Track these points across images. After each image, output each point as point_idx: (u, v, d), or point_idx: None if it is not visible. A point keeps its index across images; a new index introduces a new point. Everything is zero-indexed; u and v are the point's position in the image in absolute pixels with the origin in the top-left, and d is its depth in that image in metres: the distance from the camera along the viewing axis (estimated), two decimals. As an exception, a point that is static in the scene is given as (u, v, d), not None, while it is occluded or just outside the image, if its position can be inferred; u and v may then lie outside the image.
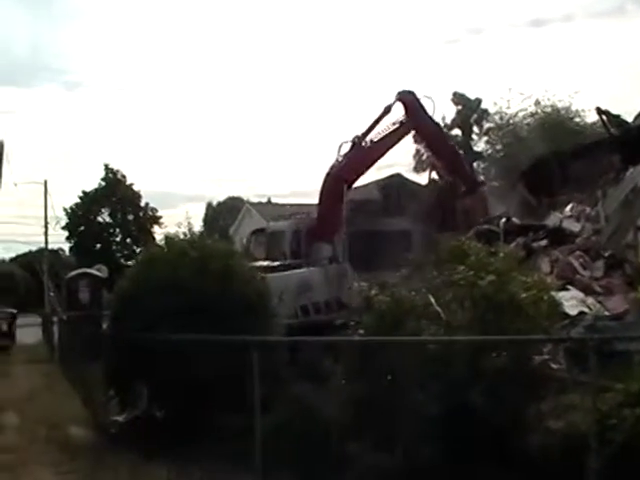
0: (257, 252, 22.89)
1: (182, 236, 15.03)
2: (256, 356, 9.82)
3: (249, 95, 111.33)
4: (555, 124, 38.20)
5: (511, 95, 41.55)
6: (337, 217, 19.95)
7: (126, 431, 13.43)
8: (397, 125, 22.07)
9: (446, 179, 22.68)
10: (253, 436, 9.64)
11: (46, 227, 52.88)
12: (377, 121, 21.78)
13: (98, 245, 61.50)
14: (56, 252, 62.71)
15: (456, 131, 50.88)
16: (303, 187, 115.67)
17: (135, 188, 63.66)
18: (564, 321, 12.81)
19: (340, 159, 21.18)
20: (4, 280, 54.15)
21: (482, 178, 25.43)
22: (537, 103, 40.49)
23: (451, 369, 9.54)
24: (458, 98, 52.19)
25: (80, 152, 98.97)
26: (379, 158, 21.99)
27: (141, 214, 63.79)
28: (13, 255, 70.12)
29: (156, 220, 63.63)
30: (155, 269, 13.67)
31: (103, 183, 63.17)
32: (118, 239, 63.51)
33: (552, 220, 19.92)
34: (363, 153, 21.26)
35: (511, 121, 41.96)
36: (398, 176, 24.20)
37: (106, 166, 63.35)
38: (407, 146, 22.67)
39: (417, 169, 43.60)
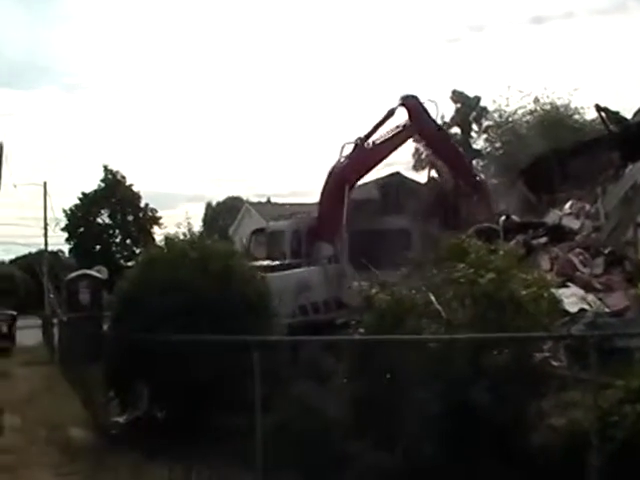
0: (257, 252, 22.87)
1: (182, 237, 15.01)
2: (257, 356, 9.80)
3: (249, 95, 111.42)
4: (554, 121, 38.17)
5: (510, 93, 41.58)
6: (338, 217, 19.94)
7: (127, 432, 13.44)
8: (400, 128, 22.08)
9: (447, 179, 22.70)
10: (254, 436, 9.62)
11: (46, 229, 52.82)
12: (380, 124, 21.79)
13: (98, 246, 61.49)
14: (56, 254, 62.66)
15: (455, 129, 50.84)
16: (303, 187, 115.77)
17: (135, 189, 63.70)
18: (564, 318, 12.81)
19: (342, 160, 21.17)
20: (4, 282, 54.12)
21: (482, 176, 25.38)
22: (536, 101, 40.48)
23: (452, 367, 9.53)
24: (457, 96, 52.17)
25: (79, 153, 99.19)
26: (381, 160, 21.99)
27: (141, 215, 63.77)
28: (13, 257, 70.06)
29: (156, 221, 63.62)
30: (155, 270, 13.68)
31: (102, 184, 63.15)
32: (118, 240, 63.50)
33: (552, 217, 19.93)
34: (365, 154, 21.26)
35: (510, 119, 41.94)
36: (397, 175, 24.14)
37: (105, 167, 63.39)
38: (406, 145, 22.63)
39: (416, 167, 43.60)
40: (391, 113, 22.02)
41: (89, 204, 62.62)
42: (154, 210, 64.06)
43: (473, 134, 51.29)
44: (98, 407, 14.53)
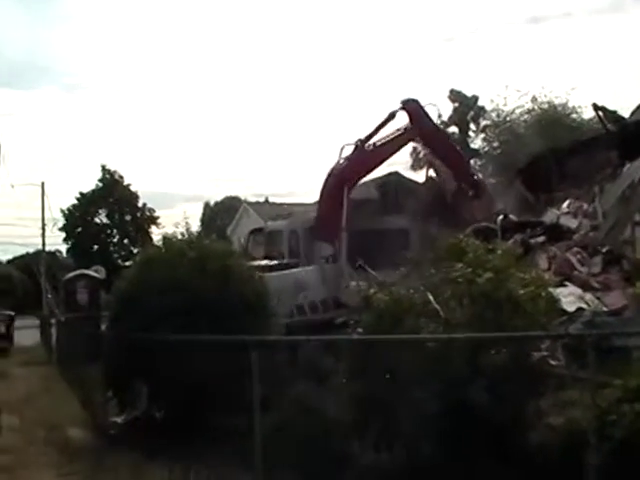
0: (255, 252, 22.87)
1: (180, 236, 15.00)
2: (255, 356, 9.80)
3: (246, 95, 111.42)
4: (552, 121, 38.19)
5: (508, 92, 41.61)
6: (337, 217, 19.96)
7: (125, 432, 13.43)
8: (401, 131, 22.10)
9: (446, 178, 22.65)
10: (253, 436, 9.63)
11: (43, 229, 52.81)
12: (380, 126, 21.80)
13: (95, 246, 61.51)
14: (53, 254, 62.65)
15: (453, 128, 50.90)
16: (300, 187, 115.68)
17: (132, 189, 63.71)
18: (562, 317, 12.81)
19: (342, 161, 21.18)
20: (1, 282, 54.10)
21: (482, 177, 25.38)
22: (534, 100, 40.51)
23: (450, 367, 9.55)
24: (455, 95, 52.24)
25: (78, 153, 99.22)
26: (381, 162, 21.99)
27: (138, 215, 63.81)
28: (10, 257, 69.97)
29: (154, 220, 63.66)
30: (153, 270, 13.67)
31: (100, 184, 63.17)
32: (115, 240, 63.54)
33: (549, 216, 19.93)
34: (365, 156, 21.26)
35: (508, 118, 41.97)
36: (396, 174, 24.12)
37: (103, 167, 63.42)
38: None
39: (414, 167, 43.60)
40: (392, 116, 22.04)
41: (87, 204, 62.65)
42: (152, 210, 64.16)
43: (471, 133, 51.41)
44: (96, 407, 14.52)
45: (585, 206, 19.48)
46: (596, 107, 23.36)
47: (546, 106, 40.30)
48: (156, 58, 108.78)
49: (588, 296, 14.54)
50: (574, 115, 39.55)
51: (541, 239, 18.41)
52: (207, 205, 77.83)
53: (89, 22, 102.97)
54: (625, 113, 22.80)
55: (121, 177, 63.58)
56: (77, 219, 62.19)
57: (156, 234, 57.79)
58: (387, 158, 22.32)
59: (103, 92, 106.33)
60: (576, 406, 8.75)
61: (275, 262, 19.98)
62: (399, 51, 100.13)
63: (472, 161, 39.39)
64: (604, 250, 16.49)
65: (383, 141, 21.86)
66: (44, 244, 53.75)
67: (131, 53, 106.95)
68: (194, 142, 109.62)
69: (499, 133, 42.83)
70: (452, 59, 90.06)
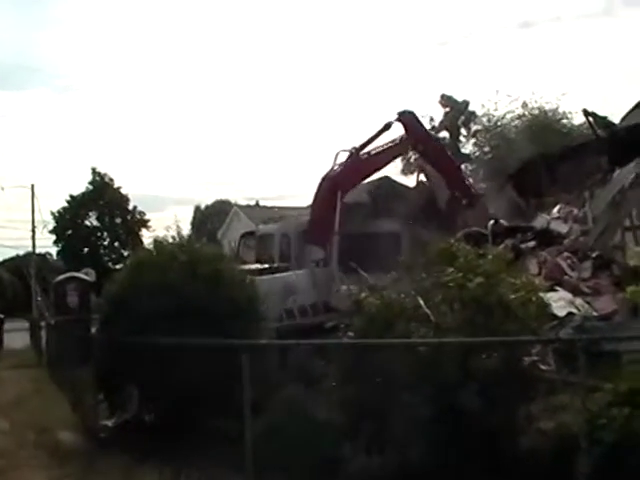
0: (246, 255, 22.86)
1: (171, 240, 14.99)
2: (246, 359, 9.82)
3: (237, 98, 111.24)
4: (542, 126, 38.34)
5: (499, 97, 41.78)
6: (330, 221, 19.99)
7: (116, 435, 13.40)
8: (396, 142, 22.19)
9: (436, 183, 22.69)
10: (243, 439, 9.64)
11: (33, 231, 52.69)
12: (376, 136, 21.88)
13: (86, 249, 61.40)
14: (43, 256, 62.43)
15: (444, 133, 50.99)
16: (291, 190, 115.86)
17: (123, 191, 63.64)
18: (552, 322, 12.86)
19: (336, 167, 21.23)
20: (-9, 285, 53.99)
21: (474, 186, 25.44)
22: (524, 105, 40.68)
23: (441, 371, 9.58)
24: (446, 100, 52.32)
25: (68, 155, 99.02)
26: (375, 171, 22.03)
27: (129, 217, 63.72)
28: (0, 259, 69.83)
29: (144, 223, 63.59)
30: (144, 273, 13.66)
31: (90, 187, 63.06)
32: (106, 243, 63.44)
33: (540, 221, 19.96)
34: (360, 164, 21.32)
35: (499, 123, 42.12)
36: (387, 179, 24.12)
37: (93, 169, 63.31)
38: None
39: (405, 172, 43.67)
40: (387, 127, 22.11)
41: (77, 206, 62.54)
42: (142, 213, 64.09)
43: (462, 138, 51.44)
44: (87, 410, 14.48)
45: (575, 211, 19.54)
46: (586, 113, 23.46)
47: (537, 111, 40.48)
48: (147, 61, 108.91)
49: (578, 301, 14.58)
50: (564, 121, 39.73)
51: (531, 244, 18.46)
52: (197, 208, 77.80)
53: (81, 24, 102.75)
54: (615, 119, 22.91)
55: (111, 180, 63.54)
56: (67, 222, 62.06)
57: (147, 237, 57.81)
58: (381, 167, 22.41)
59: (94, 94, 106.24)
60: (567, 410, 8.80)
61: (264, 266, 19.96)
62: (392, 55, 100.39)
63: (463, 166, 39.53)
64: (594, 255, 16.54)
65: (378, 150, 21.93)
66: (34, 246, 53.67)
67: (122, 55, 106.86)
68: (185, 145, 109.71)
69: (490, 138, 42.98)
70: (445, 63, 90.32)
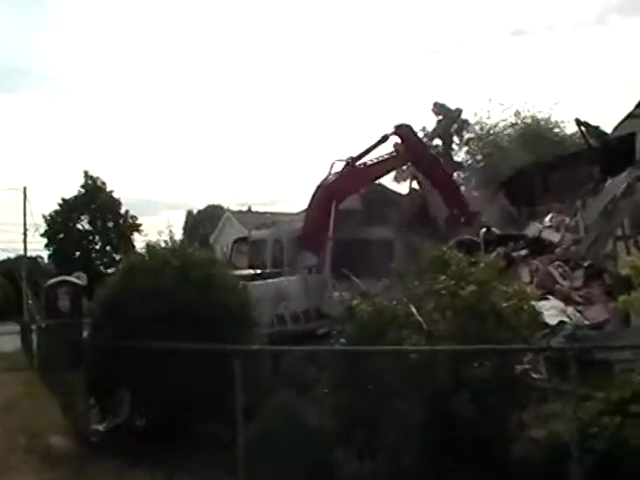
0: (238, 261, 22.86)
1: (164, 244, 14.98)
2: (238, 365, 9.83)
3: (229, 104, 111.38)
4: (535, 135, 38.50)
5: (491, 106, 41.96)
6: (324, 229, 20.05)
7: (107, 439, 13.38)
8: (394, 154, 22.26)
9: (429, 190, 22.74)
10: (235, 444, 9.64)
11: (25, 234, 52.57)
12: (372, 148, 21.94)
13: (77, 252, 61.24)
14: (35, 259, 62.29)
15: (437, 141, 51.07)
16: (283, 196, 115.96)
17: (115, 195, 63.53)
18: (544, 330, 12.90)
19: (332, 176, 21.27)
20: (-18, 288, 53.80)
21: (463, 188, 25.50)
22: (517, 114, 40.87)
23: (433, 378, 9.60)
24: (439, 108, 52.40)
25: (60, 159, 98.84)
26: (371, 182, 22.09)
27: (121, 222, 63.61)
28: (-9, 262, 69.52)
29: (136, 228, 63.49)
30: (137, 277, 13.66)
31: (83, 190, 62.93)
32: (98, 247, 63.29)
33: (532, 230, 20.03)
34: (356, 174, 21.37)
35: (491, 132, 42.27)
36: (379, 186, 24.18)
37: (86, 173, 63.19)
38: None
39: (397, 179, 43.74)
40: (384, 139, 22.19)
41: (69, 210, 62.40)
42: (134, 217, 63.98)
43: (454, 146, 51.50)
44: (78, 414, 14.46)
45: (567, 220, 19.61)
46: (579, 122, 23.56)
47: (529, 120, 40.64)
48: (140, 64, 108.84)
49: (570, 310, 14.63)
50: (557, 130, 39.90)
51: (524, 252, 18.51)
52: (190, 213, 77.79)
53: (73, 27, 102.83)
54: (607, 128, 23.02)
55: (104, 183, 63.42)
56: (59, 225, 61.92)
57: (139, 241, 57.67)
58: (377, 178, 22.53)
59: (87, 97, 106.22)
60: (558, 419, 8.82)
61: (256, 271, 19.96)
62: (385, 62, 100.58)
63: (455, 174, 39.63)
64: (586, 264, 16.60)
65: (374, 161, 22.01)
66: (26, 249, 53.55)
67: (115, 58, 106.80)
68: (177, 149, 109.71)
69: (482, 146, 43.12)
70: (438, 71, 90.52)
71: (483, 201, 26.96)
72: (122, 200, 63.89)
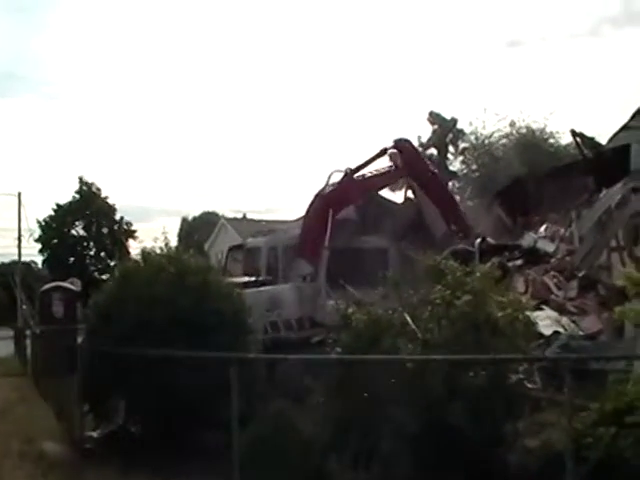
0: (233, 268, 22.85)
1: (159, 251, 14.98)
2: (234, 372, 9.84)
3: (226, 111, 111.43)
4: (530, 145, 38.54)
5: (487, 115, 42.00)
6: (320, 239, 20.06)
7: (101, 446, 13.36)
8: (393, 168, 22.31)
9: (422, 199, 22.75)
10: (231, 452, 9.64)
11: (19, 239, 52.48)
12: (371, 161, 21.99)
13: (72, 258, 61.12)
14: (29, 265, 62.17)
15: (432, 150, 51.17)
16: (279, 204, 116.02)
17: (110, 201, 63.46)
18: (539, 340, 12.94)
19: (330, 187, 21.29)
20: (-24, 293, 53.66)
21: (458, 198, 25.54)
22: (512, 124, 40.87)
23: (428, 387, 9.63)
24: (434, 118, 52.51)
25: (56, 164, 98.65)
26: (368, 194, 22.05)
27: (116, 228, 63.51)
28: (-15, 268, 69.32)
29: (131, 234, 63.38)
30: (132, 284, 13.67)
31: (77, 196, 62.85)
32: (92, 253, 63.16)
33: (527, 240, 20.10)
34: (354, 186, 21.39)
35: (486, 141, 42.31)
36: (374, 195, 24.19)
37: (80, 179, 63.06)
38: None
39: (392, 188, 43.77)
40: (383, 152, 22.24)
41: (63, 215, 62.28)
42: (129, 223, 63.87)
43: (450, 156, 51.62)
44: (72, 420, 14.42)
45: (562, 231, 19.69)
46: (574, 133, 23.64)
47: (524, 131, 40.69)
48: (135, 70, 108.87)
49: (564, 320, 14.70)
50: (552, 140, 39.94)
51: (518, 262, 18.59)
52: (184, 220, 77.74)
53: (69, 32, 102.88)
54: (602, 139, 23.11)
55: (98, 189, 63.30)
56: (53, 230, 61.79)
57: (133, 248, 57.56)
58: (375, 191, 22.49)
59: (82, 102, 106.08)
60: (553, 428, 8.86)
61: (250, 279, 19.94)
62: (381, 71, 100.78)
63: (450, 183, 39.70)
64: (580, 275, 16.68)
65: (373, 174, 22.05)
66: (20, 255, 53.45)
67: (110, 64, 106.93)
68: (172, 155, 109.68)
69: (477, 156, 43.15)
70: (433, 80, 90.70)
71: (478, 211, 27.02)
72: (117, 206, 63.87)
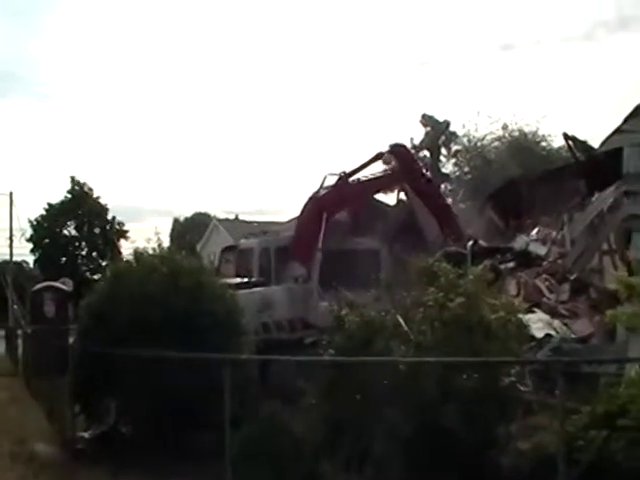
0: (226, 270, 22.83)
1: (152, 252, 14.96)
2: (227, 373, 9.84)
3: (218, 112, 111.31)
4: (522, 148, 38.68)
5: (479, 118, 42.16)
6: (313, 241, 20.07)
7: (93, 447, 13.35)
8: (388, 173, 22.33)
9: (414, 201, 22.77)
10: (223, 453, 9.64)
11: (11, 239, 52.32)
12: (366, 165, 22.00)
13: (63, 258, 60.94)
14: (20, 264, 61.94)
15: (424, 153, 51.21)
16: (270, 205, 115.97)
17: (102, 201, 63.28)
18: (530, 343, 12.96)
19: (323, 190, 21.29)
20: (-34, 293, 53.40)
21: (450, 201, 25.60)
22: (505, 127, 41.03)
23: (420, 389, 9.64)
24: (427, 120, 52.54)
25: (48, 164, 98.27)
26: (363, 198, 22.03)
27: (108, 228, 63.35)
28: (-25, 267, 68.98)
29: (123, 234, 63.22)
30: (125, 284, 13.65)
31: (69, 196, 62.67)
32: (84, 253, 62.97)
33: (519, 243, 20.12)
34: (348, 190, 21.40)
35: (479, 144, 42.43)
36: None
37: (72, 178, 62.80)
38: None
39: (385, 190, 43.74)
40: (379, 157, 22.26)
41: (55, 215, 62.09)
42: (121, 223, 63.68)
43: (442, 158, 51.67)
44: (64, 421, 14.40)
45: (554, 234, 19.73)
46: (566, 137, 23.70)
47: (517, 134, 40.82)
48: (128, 71, 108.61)
49: (556, 323, 14.73)
50: (544, 143, 40.09)
51: (510, 265, 18.61)
52: (176, 220, 77.62)
53: (62, 32, 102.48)
54: (595, 142, 23.17)
55: (90, 189, 63.07)
56: (45, 230, 61.59)
57: (125, 248, 57.41)
58: (370, 195, 22.46)
59: (75, 103, 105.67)
60: (545, 431, 8.88)
61: (242, 280, 19.92)
62: (374, 74, 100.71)
63: (442, 186, 39.77)
64: (572, 278, 16.72)
65: (368, 178, 22.05)
66: (11, 254, 53.28)
67: (103, 64, 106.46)
68: (164, 156, 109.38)
69: (470, 159, 43.27)
70: (426, 83, 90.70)
71: (470, 213, 27.07)
72: (109, 206, 63.68)
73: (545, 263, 18.32)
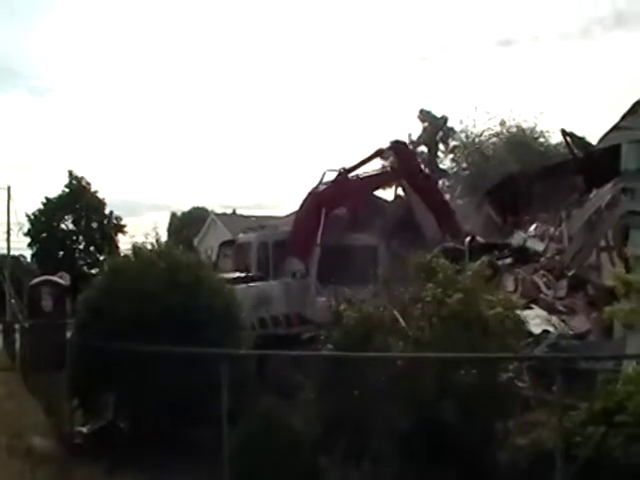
0: (224, 264, 22.83)
1: (150, 246, 14.94)
2: (224, 369, 9.84)
3: (215, 106, 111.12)
4: (520, 144, 38.68)
5: (477, 114, 42.17)
6: (312, 236, 20.07)
7: (91, 442, 13.33)
8: (387, 169, 22.37)
9: (412, 197, 22.78)
10: (221, 448, 9.65)
11: (8, 233, 52.32)
12: (366, 161, 22.00)
13: (61, 252, 60.91)
14: (17, 258, 61.90)
15: (422, 148, 51.20)
16: (268, 199, 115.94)
17: (99, 196, 63.25)
18: (528, 339, 12.98)
19: (323, 185, 21.28)
20: (-37, 286, 53.37)
21: (448, 196, 25.62)
22: (502, 123, 41.04)
23: (418, 385, 9.65)
24: (424, 115, 52.52)
25: (45, 158, 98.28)
26: (362, 194, 22.01)
27: (105, 222, 63.32)
28: (-27, 261, 68.95)
29: (120, 228, 63.20)
30: (123, 279, 13.64)
31: (67, 190, 62.63)
32: (81, 247, 62.95)
33: (516, 239, 20.15)
34: (348, 186, 21.39)
35: (477, 140, 42.44)
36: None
37: (70, 173, 62.79)
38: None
39: (383, 186, 43.72)
40: (379, 153, 22.28)
41: (53, 209, 62.05)
42: (119, 218, 63.67)
43: (440, 153, 51.68)
44: (61, 416, 14.39)
45: (552, 230, 19.75)
46: (564, 133, 23.67)
47: (514, 129, 40.83)
48: (125, 65, 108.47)
49: (554, 319, 14.75)
50: (542, 139, 40.10)
51: (508, 261, 18.63)
52: (174, 215, 77.54)
53: (60, 26, 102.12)
54: (593, 139, 23.13)
55: (88, 184, 63.06)
56: (43, 224, 61.58)
57: (123, 242, 57.42)
58: (369, 191, 22.46)
59: (72, 97, 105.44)
60: (543, 427, 8.89)
61: (239, 275, 19.92)
62: (372, 69, 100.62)
63: (440, 181, 39.79)
64: (570, 274, 16.73)
65: (368, 174, 22.06)
66: (9, 248, 53.25)
67: (101, 59, 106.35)
68: (162, 150, 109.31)
69: (468, 154, 43.28)
70: (424, 78, 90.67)
71: (468, 209, 27.08)
72: (106, 201, 63.62)
73: (543, 259, 18.34)
